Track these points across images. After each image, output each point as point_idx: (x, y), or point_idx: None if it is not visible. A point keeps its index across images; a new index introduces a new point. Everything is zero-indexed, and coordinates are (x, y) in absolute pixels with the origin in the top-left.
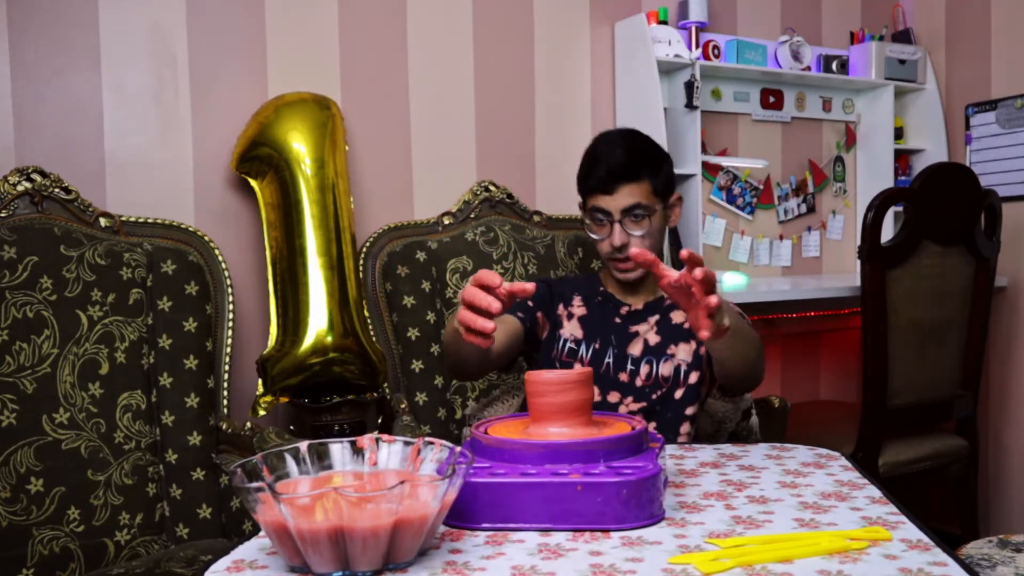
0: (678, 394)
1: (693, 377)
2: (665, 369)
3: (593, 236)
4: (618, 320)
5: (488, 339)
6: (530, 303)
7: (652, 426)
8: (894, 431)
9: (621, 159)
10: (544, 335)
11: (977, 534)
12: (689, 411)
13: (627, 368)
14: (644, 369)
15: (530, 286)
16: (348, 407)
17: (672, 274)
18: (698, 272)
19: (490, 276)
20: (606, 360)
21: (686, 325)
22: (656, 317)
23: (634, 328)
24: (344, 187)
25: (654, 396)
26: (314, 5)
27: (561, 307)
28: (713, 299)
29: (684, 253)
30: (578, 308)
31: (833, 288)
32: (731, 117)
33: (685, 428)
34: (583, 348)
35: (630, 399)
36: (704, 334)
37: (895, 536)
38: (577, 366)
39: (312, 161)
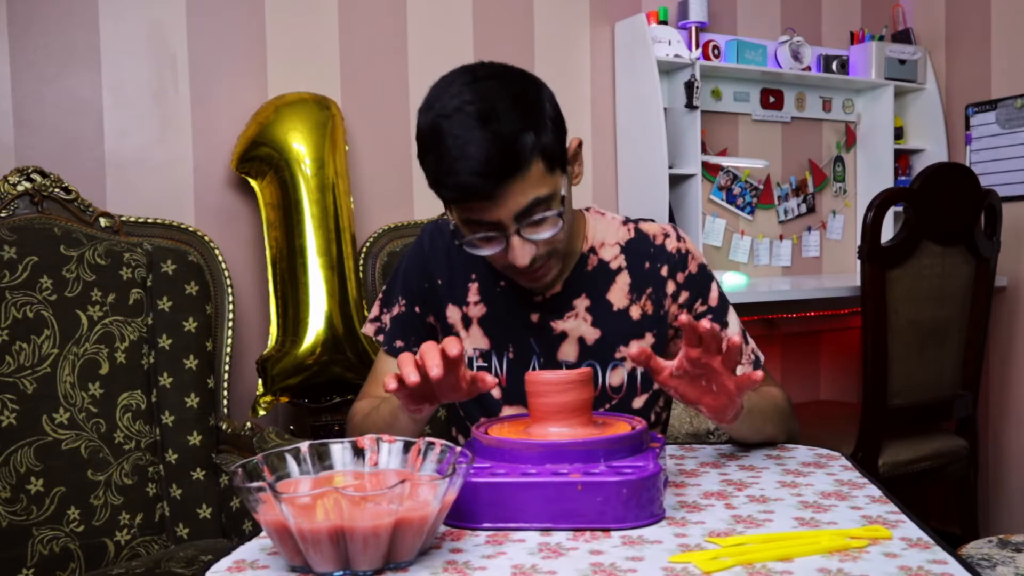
0: (637, 403)
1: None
2: (614, 378)
3: (478, 253)
4: (535, 316)
5: (409, 390)
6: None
7: None
8: (894, 431)
9: (491, 147)
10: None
11: (977, 534)
12: (652, 416)
13: None
14: None
15: (491, 381)
16: (348, 407)
17: (669, 364)
18: (704, 323)
19: (450, 342)
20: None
21: (635, 314)
22: (586, 302)
23: (559, 326)
24: (344, 187)
25: (603, 409)
26: (314, 5)
27: (451, 308)
28: (757, 378)
29: (705, 326)
30: (476, 306)
31: (833, 288)
32: (731, 117)
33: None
34: (495, 362)
35: None
36: (726, 423)
37: (895, 534)
38: (494, 390)
39: (312, 161)
